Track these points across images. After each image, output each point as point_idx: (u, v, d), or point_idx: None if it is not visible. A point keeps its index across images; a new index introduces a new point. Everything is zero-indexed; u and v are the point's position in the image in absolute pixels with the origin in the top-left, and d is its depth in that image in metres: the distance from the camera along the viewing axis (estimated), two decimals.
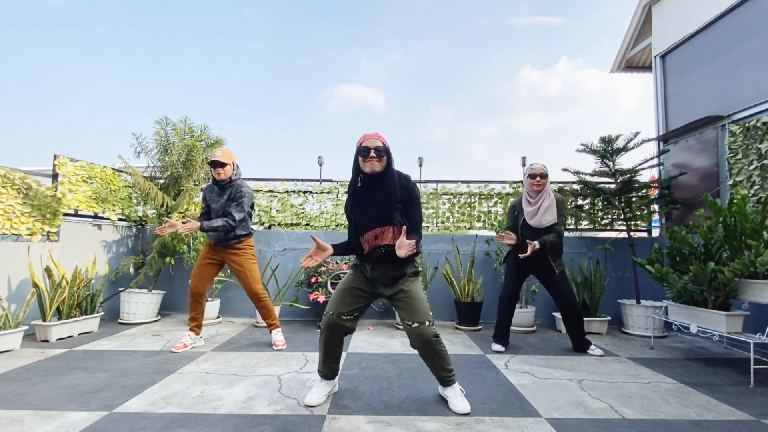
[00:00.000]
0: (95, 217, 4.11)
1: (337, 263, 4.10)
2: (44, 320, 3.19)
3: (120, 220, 4.35)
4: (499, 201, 4.83)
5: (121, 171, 4.39)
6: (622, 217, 4.19)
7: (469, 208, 4.85)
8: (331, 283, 3.92)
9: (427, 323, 1.92)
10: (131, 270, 4.36)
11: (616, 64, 5.73)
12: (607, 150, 4.02)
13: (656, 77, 4.84)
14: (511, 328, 3.40)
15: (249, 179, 4.87)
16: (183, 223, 2.81)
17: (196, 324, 3.08)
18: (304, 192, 4.96)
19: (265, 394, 2.13)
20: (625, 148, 3.98)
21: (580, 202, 4.68)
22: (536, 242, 2.89)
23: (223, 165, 2.92)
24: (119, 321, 3.98)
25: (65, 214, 3.72)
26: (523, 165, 4.87)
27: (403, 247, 1.78)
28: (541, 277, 3.16)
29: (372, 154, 1.88)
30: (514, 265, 3.15)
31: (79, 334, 3.40)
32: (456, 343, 3.36)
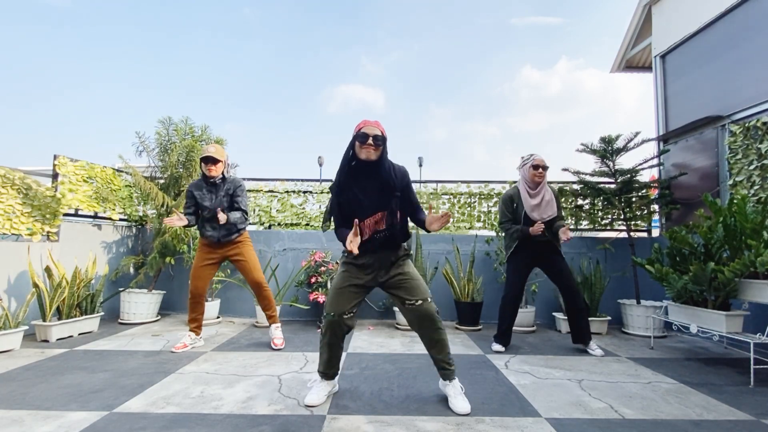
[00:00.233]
0: (95, 217, 4.11)
1: (337, 263, 4.10)
2: (44, 320, 3.19)
3: (121, 219, 4.35)
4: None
5: (122, 171, 4.40)
6: (622, 217, 4.19)
7: (469, 208, 4.85)
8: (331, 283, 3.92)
9: (429, 299, 2.00)
10: (131, 270, 4.36)
11: (616, 64, 5.73)
12: (607, 150, 4.02)
13: (656, 77, 4.84)
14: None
15: (249, 179, 4.88)
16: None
17: (196, 325, 3.08)
18: (304, 192, 4.96)
19: (265, 394, 2.13)
20: (625, 148, 3.98)
21: (580, 202, 4.68)
22: (541, 224, 2.92)
23: (215, 162, 2.92)
24: (119, 321, 3.98)
25: (65, 214, 3.72)
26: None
27: (436, 221, 1.89)
28: (547, 267, 3.12)
29: (370, 141, 1.87)
30: (519, 265, 3.12)
31: (79, 334, 3.40)
32: (456, 343, 3.36)
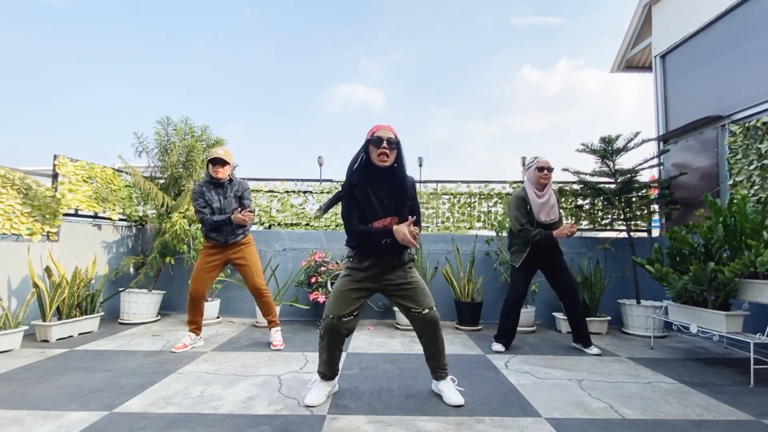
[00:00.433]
0: (95, 217, 4.11)
1: (337, 263, 4.10)
2: (44, 320, 3.19)
3: (121, 219, 4.35)
4: (499, 201, 4.83)
5: (122, 171, 4.40)
6: (622, 217, 4.19)
7: (469, 208, 4.85)
8: (331, 283, 3.92)
9: (434, 308, 2.06)
10: (131, 270, 4.36)
11: (616, 64, 5.73)
12: (607, 150, 4.02)
13: (656, 77, 4.84)
14: None
15: (249, 179, 4.87)
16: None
17: (195, 326, 3.08)
18: (304, 192, 4.96)
19: (265, 394, 2.13)
20: (625, 148, 3.98)
21: (580, 202, 4.68)
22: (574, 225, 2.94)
23: (224, 164, 2.95)
24: (119, 321, 3.98)
25: (65, 214, 3.72)
26: (523, 165, 4.87)
27: (408, 234, 1.84)
28: (548, 268, 3.13)
29: (384, 144, 1.91)
30: (528, 270, 3.12)
31: (79, 334, 3.40)
32: (456, 343, 3.36)
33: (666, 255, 3.17)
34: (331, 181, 5.02)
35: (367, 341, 3.38)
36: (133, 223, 4.54)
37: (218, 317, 4.20)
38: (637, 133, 3.88)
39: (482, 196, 4.85)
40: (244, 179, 3.15)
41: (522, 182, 4.86)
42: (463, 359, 2.87)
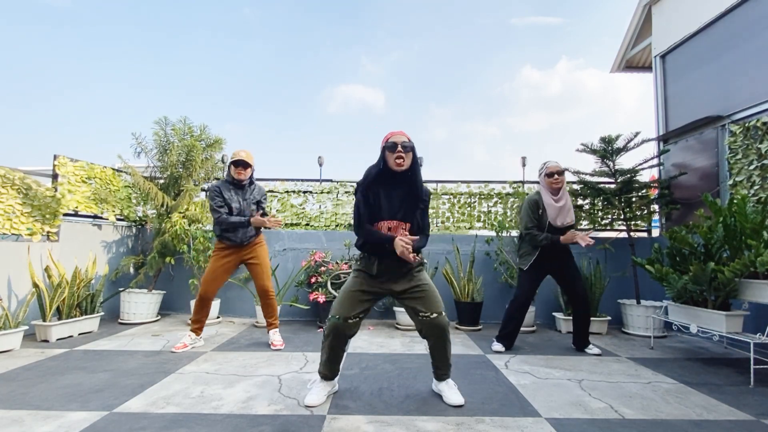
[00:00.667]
0: (95, 217, 4.11)
1: (337, 263, 4.10)
2: (44, 320, 3.19)
3: (119, 220, 4.35)
4: (499, 201, 4.84)
5: (121, 171, 4.39)
6: (622, 217, 4.19)
7: (469, 208, 4.85)
8: (331, 283, 3.92)
9: (443, 313, 2.06)
10: (131, 270, 4.36)
11: (616, 64, 5.73)
12: (607, 150, 4.02)
13: (656, 77, 4.84)
14: None
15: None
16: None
17: (198, 326, 3.07)
18: (304, 192, 4.96)
19: (265, 394, 2.13)
20: (625, 148, 3.97)
21: (580, 202, 4.67)
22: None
23: (246, 166, 2.99)
24: (119, 321, 3.98)
25: (65, 214, 3.72)
26: (523, 165, 4.87)
27: (405, 252, 1.86)
28: (559, 274, 3.11)
29: (399, 148, 1.95)
30: (536, 274, 3.09)
31: (79, 334, 3.40)
32: (456, 343, 3.36)
33: (666, 255, 3.17)
34: (330, 181, 5.02)
35: (367, 341, 3.38)
36: (133, 223, 4.53)
37: (218, 317, 4.20)
38: (637, 133, 3.88)
39: (482, 196, 4.85)
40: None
41: (522, 182, 4.88)
42: (463, 359, 2.87)
